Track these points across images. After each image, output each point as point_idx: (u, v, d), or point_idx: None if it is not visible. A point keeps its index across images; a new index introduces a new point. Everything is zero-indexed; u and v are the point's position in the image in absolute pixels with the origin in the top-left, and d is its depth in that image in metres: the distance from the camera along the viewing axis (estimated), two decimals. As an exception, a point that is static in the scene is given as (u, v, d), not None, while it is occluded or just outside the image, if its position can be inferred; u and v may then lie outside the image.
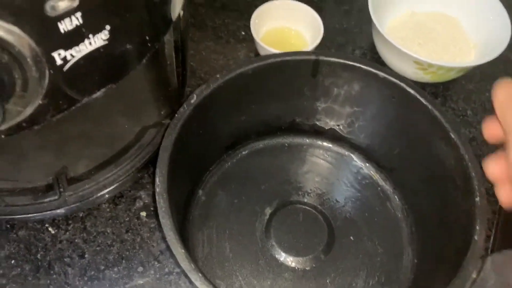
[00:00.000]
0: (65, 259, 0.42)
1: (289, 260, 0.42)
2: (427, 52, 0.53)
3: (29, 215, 0.41)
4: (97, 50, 0.27)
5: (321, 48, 0.52)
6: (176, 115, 0.37)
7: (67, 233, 0.43)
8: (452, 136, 0.37)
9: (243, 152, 0.47)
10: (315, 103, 0.44)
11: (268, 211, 0.44)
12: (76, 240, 0.43)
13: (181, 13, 0.35)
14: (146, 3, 0.29)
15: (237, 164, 0.47)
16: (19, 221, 0.43)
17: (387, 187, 0.45)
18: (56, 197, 0.40)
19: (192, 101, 0.38)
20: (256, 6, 0.53)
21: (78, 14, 0.25)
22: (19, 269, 0.41)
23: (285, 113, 0.46)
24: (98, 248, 0.43)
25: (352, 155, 0.47)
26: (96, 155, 0.41)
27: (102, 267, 0.42)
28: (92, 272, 0.41)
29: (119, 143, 0.42)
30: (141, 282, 0.41)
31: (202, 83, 0.53)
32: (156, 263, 0.42)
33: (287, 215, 0.44)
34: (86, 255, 0.42)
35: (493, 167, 0.28)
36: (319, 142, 0.48)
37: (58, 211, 0.42)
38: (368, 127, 0.44)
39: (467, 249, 0.32)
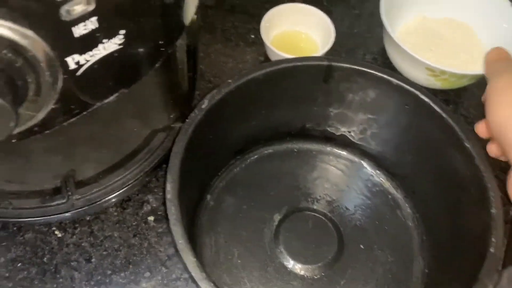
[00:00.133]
0: (72, 263, 0.41)
1: (298, 268, 0.41)
2: (438, 58, 0.52)
3: (36, 219, 0.41)
4: (111, 54, 0.27)
5: (331, 52, 0.51)
6: (187, 120, 0.36)
7: (74, 236, 0.43)
8: (467, 145, 0.36)
9: (252, 157, 0.47)
10: (328, 108, 0.43)
11: (277, 217, 0.44)
12: (83, 244, 0.42)
13: (194, 17, 0.35)
14: (160, 7, 0.29)
15: (246, 169, 0.46)
16: (26, 224, 0.42)
17: (398, 195, 0.45)
18: (63, 201, 0.40)
19: (203, 106, 0.37)
20: (266, 9, 0.53)
21: (94, 18, 0.25)
22: (25, 272, 0.41)
23: (295, 118, 0.45)
24: (105, 253, 0.42)
25: (362, 162, 0.46)
26: (105, 159, 0.41)
27: (109, 272, 0.41)
28: (99, 277, 0.41)
29: (128, 147, 0.42)
30: (148, 287, 0.41)
31: (211, 86, 0.53)
32: (163, 268, 0.42)
33: (296, 222, 0.43)
34: (93, 259, 0.42)
35: (483, 127, 0.37)
36: (329, 148, 0.47)
37: (66, 214, 0.41)
38: (381, 134, 0.43)
39: (482, 261, 0.32)
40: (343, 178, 0.46)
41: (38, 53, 0.24)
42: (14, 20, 0.23)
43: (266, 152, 0.47)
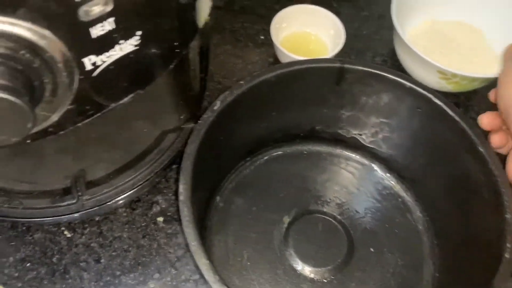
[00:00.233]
0: (81, 264, 0.41)
1: (308, 271, 0.41)
2: (449, 61, 0.52)
3: (46, 219, 0.41)
4: (127, 55, 0.27)
5: (341, 54, 0.51)
6: (199, 121, 0.36)
7: (83, 237, 0.43)
8: (481, 149, 0.36)
9: (262, 159, 0.47)
10: (339, 111, 0.43)
11: (286, 219, 0.43)
12: (92, 245, 0.42)
13: (207, 19, 0.35)
14: (176, 9, 0.29)
15: (256, 171, 0.46)
16: (35, 224, 0.42)
17: (409, 198, 0.45)
18: (74, 201, 0.40)
19: (216, 107, 0.37)
20: (275, 10, 0.53)
21: (111, 19, 0.25)
22: (34, 272, 0.41)
23: (306, 120, 0.45)
24: (114, 253, 0.42)
25: (373, 165, 0.46)
26: (115, 160, 0.41)
27: (118, 273, 0.41)
28: (108, 278, 0.41)
29: (138, 148, 0.42)
30: (157, 289, 0.41)
31: (220, 87, 0.53)
32: (172, 269, 0.42)
33: (306, 224, 0.43)
34: (102, 260, 0.42)
35: (487, 118, 0.38)
36: (339, 151, 0.47)
37: (75, 215, 0.41)
38: (392, 137, 0.43)
39: (496, 266, 0.32)
40: (353, 180, 0.46)
41: (56, 53, 0.24)
42: (32, 20, 0.22)
43: (275, 154, 0.47)
